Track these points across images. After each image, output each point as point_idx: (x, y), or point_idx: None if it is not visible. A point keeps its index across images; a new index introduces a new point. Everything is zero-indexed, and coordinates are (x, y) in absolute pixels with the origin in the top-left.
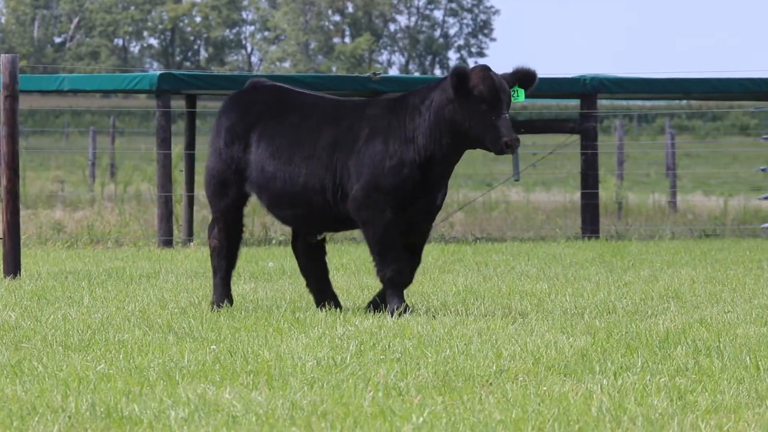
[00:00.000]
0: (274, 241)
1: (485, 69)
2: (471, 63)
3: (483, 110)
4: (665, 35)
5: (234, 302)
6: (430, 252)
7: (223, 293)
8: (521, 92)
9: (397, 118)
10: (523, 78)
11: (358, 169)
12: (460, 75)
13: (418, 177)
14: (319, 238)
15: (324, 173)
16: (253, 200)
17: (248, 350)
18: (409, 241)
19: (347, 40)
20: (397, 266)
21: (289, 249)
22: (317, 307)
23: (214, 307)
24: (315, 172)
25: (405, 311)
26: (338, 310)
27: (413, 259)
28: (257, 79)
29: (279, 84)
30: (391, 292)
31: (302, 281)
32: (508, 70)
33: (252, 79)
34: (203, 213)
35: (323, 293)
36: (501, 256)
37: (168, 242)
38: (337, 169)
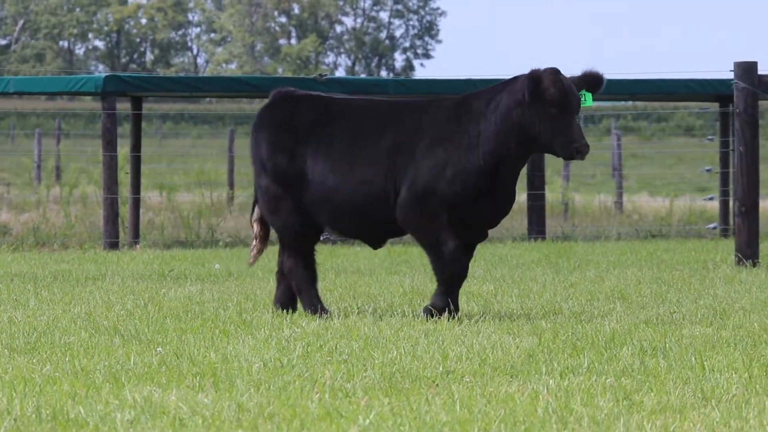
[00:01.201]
0: (220, 243)
1: (556, 72)
2: (418, 64)
3: (553, 114)
4: (611, 36)
5: (329, 311)
6: (376, 253)
7: (317, 306)
8: (589, 96)
9: (459, 123)
10: (591, 82)
11: (415, 174)
12: (536, 78)
13: (482, 183)
14: (382, 245)
15: (385, 180)
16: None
17: (194, 352)
18: (469, 242)
19: (293, 41)
20: (456, 266)
21: (236, 251)
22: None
23: (316, 314)
24: (376, 180)
25: (452, 314)
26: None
27: (468, 256)
28: (285, 90)
29: (313, 93)
30: (445, 290)
31: (249, 282)
32: (576, 72)
33: (279, 90)
34: (149, 215)
35: (289, 301)
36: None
37: (114, 244)
38: (398, 175)
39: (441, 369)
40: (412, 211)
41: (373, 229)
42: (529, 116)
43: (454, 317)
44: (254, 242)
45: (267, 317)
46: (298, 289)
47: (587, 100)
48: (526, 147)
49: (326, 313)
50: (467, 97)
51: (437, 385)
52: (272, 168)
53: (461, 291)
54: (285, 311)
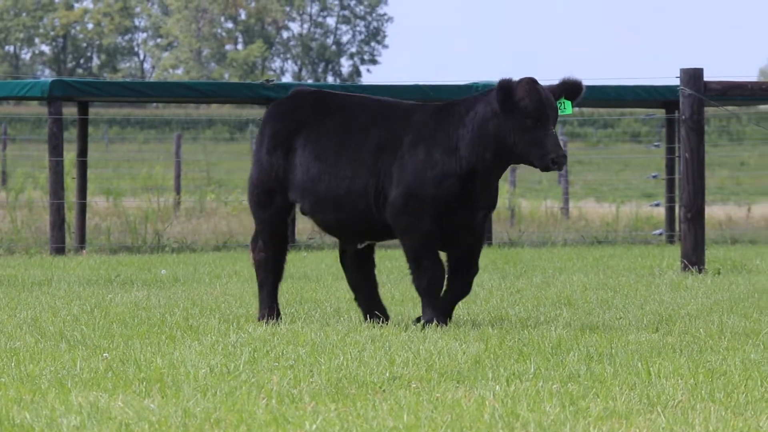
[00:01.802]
0: (167, 249)
1: (532, 82)
2: (364, 70)
3: (528, 125)
4: (558, 42)
5: (281, 317)
6: (323, 259)
7: (271, 308)
8: (568, 104)
9: (442, 127)
10: (570, 89)
11: (399, 175)
12: (506, 88)
13: (459, 188)
14: (360, 246)
15: (368, 177)
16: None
17: (141, 358)
18: (452, 254)
19: (240, 47)
20: (432, 276)
21: (182, 256)
22: (365, 320)
23: (264, 320)
24: (359, 175)
25: (442, 322)
26: (387, 323)
27: (471, 270)
28: (300, 88)
29: (323, 90)
30: (426, 302)
31: (196, 288)
32: (554, 82)
33: (296, 88)
34: (95, 220)
35: (372, 306)
36: (394, 262)
37: (60, 249)
38: (380, 173)
39: (388, 375)
40: (400, 211)
41: (352, 224)
42: (504, 127)
43: (442, 327)
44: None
45: (213, 323)
46: (260, 284)
47: (566, 108)
48: (503, 158)
49: (277, 319)
50: (453, 102)
51: (384, 390)
52: (268, 164)
53: (406, 298)
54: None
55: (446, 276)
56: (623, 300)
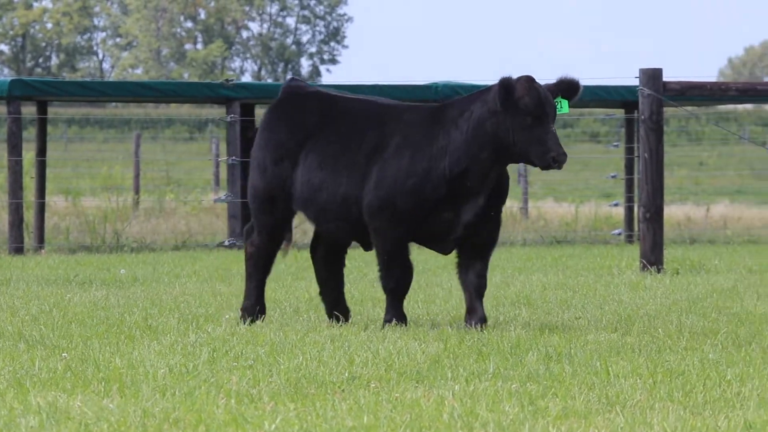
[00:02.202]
0: (126, 248)
1: (531, 80)
2: (324, 70)
3: (528, 123)
4: (517, 42)
5: (266, 312)
6: (282, 259)
7: (257, 301)
8: (565, 103)
9: (431, 131)
10: (567, 88)
11: (378, 177)
12: (508, 87)
13: (443, 193)
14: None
15: (362, 181)
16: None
17: (100, 358)
18: (439, 252)
19: (199, 46)
20: (400, 279)
21: (141, 256)
22: (328, 318)
23: (243, 314)
24: (354, 182)
25: (403, 323)
26: (347, 322)
27: (478, 264)
28: (295, 83)
29: (321, 90)
30: (390, 302)
31: (155, 287)
32: (552, 80)
33: (289, 83)
34: (54, 220)
35: (336, 304)
36: (354, 262)
37: (18, 249)
38: (373, 175)
39: (347, 374)
40: (375, 215)
41: (353, 231)
42: (503, 126)
43: (402, 326)
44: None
45: (173, 322)
46: (248, 276)
47: (563, 108)
48: (501, 157)
49: (261, 314)
50: (445, 104)
51: (343, 390)
52: (272, 173)
53: (365, 297)
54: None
55: (458, 275)
56: (582, 300)
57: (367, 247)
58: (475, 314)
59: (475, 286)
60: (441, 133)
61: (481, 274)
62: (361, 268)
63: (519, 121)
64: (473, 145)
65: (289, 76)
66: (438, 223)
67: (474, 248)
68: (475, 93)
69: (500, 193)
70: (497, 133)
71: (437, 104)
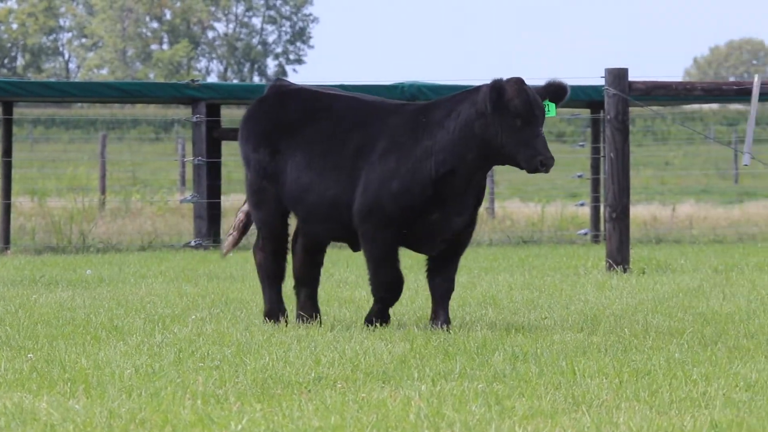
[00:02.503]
0: (92, 249)
1: (521, 83)
2: (290, 70)
3: (517, 126)
4: (483, 42)
5: (287, 314)
6: (248, 259)
7: (274, 307)
8: (552, 107)
9: (415, 133)
10: (555, 92)
11: (366, 182)
12: (499, 88)
13: (430, 194)
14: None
15: (349, 183)
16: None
17: (66, 358)
18: (427, 254)
19: (165, 47)
20: (391, 287)
21: (107, 256)
22: (298, 310)
23: (266, 319)
24: (341, 183)
25: (382, 324)
26: (317, 323)
27: (449, 267)
28: (280, 83)
29: (306, 87)
30: (377, 308)
31: (121, 288)
32: (540, 82)
33: (274, 83)
34: (20, 220)
35: (308, 301)
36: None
37: None
38: (356, 179)
39: (313, 375)
40: (363, 220)
41: (341, 233)
42: (492, 127)
43: (383, 326)
44: (232, 232)
45: (139, 323)
46: (262, 285)
47: (551, 111)
48: (488, 158)
49: (281, 320)
50: (429, 105)
51: (310, 390)
52: (255, 163)
53: (331, 298)
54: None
55: (427, 277)
56: (548, 300)
57: (355, 248)
58: (439, 317)
59: (443, 290)
60: (426, 135)
61: (450, 277)
62: (327, 268)
63: (508, 123)
64: (460, 145)
65: (255, 77)
66: (426, 225)
67: (446, 250)
68: (461, 93)
69: (478, 193)
70: (485, 135)
71: (422, 104)
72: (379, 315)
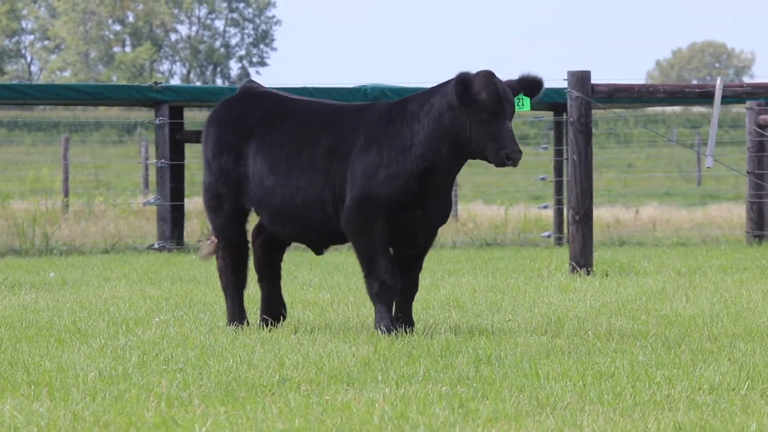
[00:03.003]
0: (55, 252)
1: (489, 75)
2: (253, 72)
3: (484, 119)
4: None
5: (248, 321)
6: (212, 261)
7: (236, 314)
8: (526, 101)
9: (393, 126)
10: (529, 86)
11: (352, 180)
12: (465, 81)
13: (415, 187)
14: (324, 251)
15: (323, 185)
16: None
17: (29, 361)
18: (408, 252)
19: (128, 49)
20: (385, 282)
21: (71, 259)
22: (263, 306)
23: (231, 325)
24: (313, 184)
25: (393, 330)
26: (282, 318)
27: (414, 267)
28: (250, 85)
29: (272, 91)
30: (378, 309)
31: (85, 291)
32: (514, 76)
33: (245, 85)
34: None
35: (272, 296)
36: (283, 264)
37: None
38: (336, 179)
39: (277, 377)
40: (352, 216)
41: (311, 234)
42: (460, 120)
43: (393, 333)
44: (211, 237)
45: (102, 326)
46: (224, 293)
47: (524, 105)
48: (459, 152)
49: (244, 324)
50: (403, 100)
51: (273, 393)
52: (217, 167)
53: (295, 300)
54: (272, 323)
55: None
56: (512, 302)
57: (318, 251)
58: (403, 318)
59: (408, 290)
60: (404, 128)
61: (415, 277)
62: (291, 270)
63: (476, 116)
64: (435, 138)
65: (218, 79)
66: (410, 222)
67: (418, 251)
68: (436, 86)
69: (450, 197)
70: (454, 128)
71: (397, 100)
72: (382, 318)
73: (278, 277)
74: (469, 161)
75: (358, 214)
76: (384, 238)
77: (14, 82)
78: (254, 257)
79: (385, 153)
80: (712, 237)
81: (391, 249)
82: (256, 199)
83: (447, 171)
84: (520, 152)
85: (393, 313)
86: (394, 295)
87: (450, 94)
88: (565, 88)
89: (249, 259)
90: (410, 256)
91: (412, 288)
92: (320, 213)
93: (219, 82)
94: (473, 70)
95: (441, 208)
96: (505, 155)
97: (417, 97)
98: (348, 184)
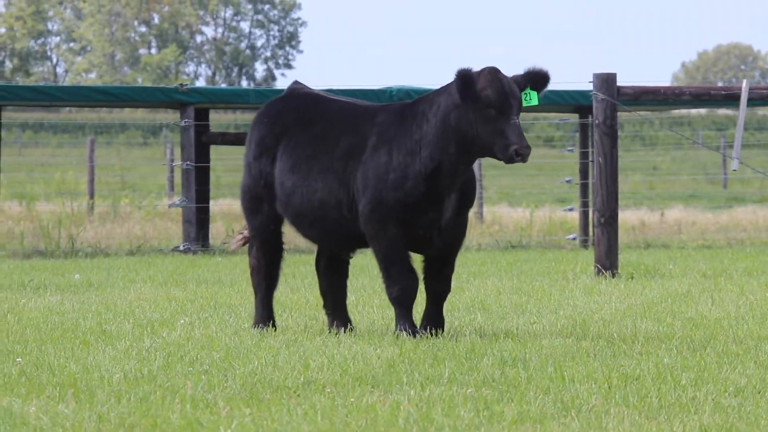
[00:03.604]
0: (80, 254)
1: (494, 71)
2: (279, 74)
3: (491, 116)
4: (471, 46)
5: (276, 323)
6: (237, 264)
7: (264, 314)
8: (534, 95)
9: (404, 127)
10: (536, 80)
11: (363, 182)
12: (466, 78)
13: (423, 189)
14: (352, 255)
15: (338, 187)
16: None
17: (54, 363)
18: (425, 253)
19: (153, 51)
20: (404, 285)
21: (96, 261)
22: (330, 326)
23: (257, 326)
24: (329, 186)
25: (413, 334)
26: (350, 332)
27: (444, 269)
28: (295, 86)
29: (314, 91)
30: (398, 312)
31: (110, 292)
32: (520, 71)
33: (290, 86)
34: (8, 224)
35: (337, 314)
36: (308, 267)
37: None
38: (350, 181)
39: (302, 379)
40: (368, 219)
41: (332, 236)
42: (466, 118)
43: (415, 337)
44: (243, 231)
45: (127, 327)
46: (254, 290)
47: (532, 99)
48: (467, 151)
49: (272, 327)
50: (417, 100)
51: (298, 395)
52: (257, 171)
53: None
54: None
55: (423, 278)
56: (537, 305)
57: (345, 255)
58: (433, 319)
59: (439, 291)
60: (414, 129)
61: (447, 278)
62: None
63: (481, 113)
64: (442, 138)
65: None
66: (424, 223)
67: (441, 250)
68: (443, 86)
69: (467, 193)
70: (460, 126)
71: (409, 101)
72: (402, 321)
73: (343, 297)
74: (494, 163)
75: (372, 218)
76: (400, 241)
77: (40, 83)
78: (318, 282)
79: (395, 155)
80: (738, 240)
81: (410, 252)
82: (279, 200)
83: (456, 170)
84: (529, 148)
85: (422, 312)
86: (413, 298)
87: (454, 92)
88: (591, 91)
89: (282, 260)
90: (440, 257)
91: (443, 289)
92: (337, 215)
93: (244, 83)
94: (475, 68)
95: (452, 211)
96: (514, 151)
97: (427, 97)
98: (360, 186)
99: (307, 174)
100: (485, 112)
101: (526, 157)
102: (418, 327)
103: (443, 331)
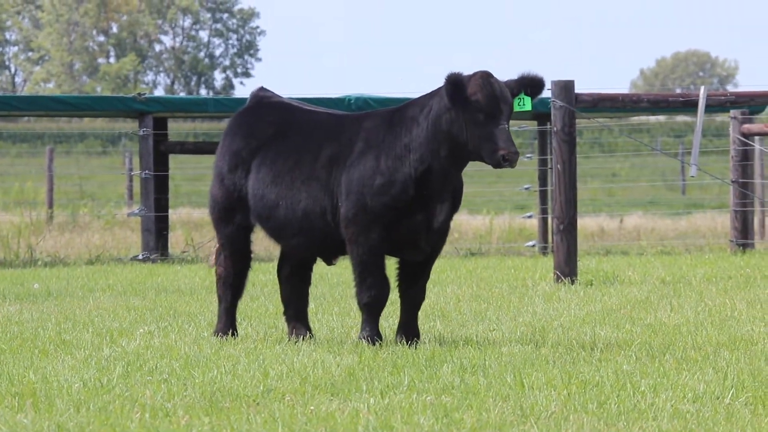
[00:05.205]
0: (39, 263)
1: (486, 76)
2: (238, 83)
3: (480, 120)
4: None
5: (237, 333)
6: (196, 272)
7: (227, 323)
8: (527, 100)
9: (392, 132)
10: (530, 85)
11: (347, 186)
12: (454, 82)
13: (412, 193)
14: (335, 262)
15: (323, 194)
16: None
17: (13, 372)
18: (414, 258)
19: (112, 60)
20: (375, 292)
21: (55, 270)
22: (289, 335)
23: (219, 335)
24: (314, 194)
25: (375, 341)
26: (310, 340)
27: (421, 277)
28: (262, 93)
29: (285, 101)
30: (365, 318)
31: (69, 302)
32: (514, 76)
33: (256, 92)
34: None
35: (298, 324)
36: (268, 276)
37: None
38: (335, 188)
39: (262, 388)
40: (350, 222)
41: (316, 245)
42: (457, 122)
43: (374, 345)
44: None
45: (87, 337)
46: (219, 299)
47: (525, 104)
48: (458, 154)
49: (232, 335)
50: (406, 105)
51: (258, 403)
52: (230, 183)
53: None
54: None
55: (398, 285)
56: (496, 312)
57: (328, 262)
58: (409, 330)
59: (415, 299)
60: (403, 133)
61: (422, 286)
62: (274, 282)
63: (472, 117)
64: (433, 141)
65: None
66: (412, 227)
67: (426, 257)
68: (436, 89)
69: (455, 199)
70: (451, 130)
71: (399, 106)
72: (367, 327)
73: (304, 306)
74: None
75: (354, 222)
76: (379, 248)
77: None
78: (280, 289)
79: (383, 159)
80: (697, 246)
81: (396, 257)
82: (257, 213)
83: (446, 174)
84: (517, 153)
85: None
86: (383, 305)
87: (444, 96)
88: (549, 98)
89: (250, 270)
90: (417, 265)
91: (418, 297)
92: (322, 223)
93: (203, 92)
94: (465, 72)
95: (441, 214)
96: (502, 156)
97: (418, 101)
98: (343, 190)
99: (290, 185)
100: (474, 116)
101: (514, 162)
102: (395, 336)
103: (419, 340)
